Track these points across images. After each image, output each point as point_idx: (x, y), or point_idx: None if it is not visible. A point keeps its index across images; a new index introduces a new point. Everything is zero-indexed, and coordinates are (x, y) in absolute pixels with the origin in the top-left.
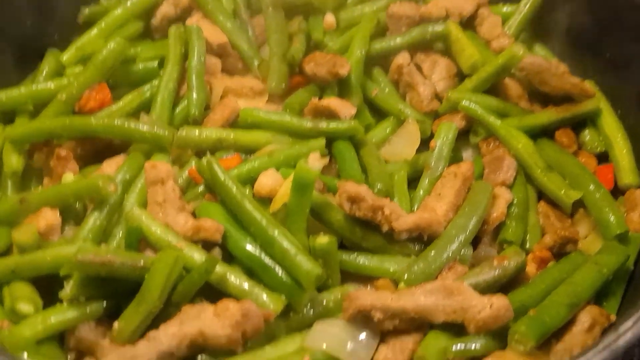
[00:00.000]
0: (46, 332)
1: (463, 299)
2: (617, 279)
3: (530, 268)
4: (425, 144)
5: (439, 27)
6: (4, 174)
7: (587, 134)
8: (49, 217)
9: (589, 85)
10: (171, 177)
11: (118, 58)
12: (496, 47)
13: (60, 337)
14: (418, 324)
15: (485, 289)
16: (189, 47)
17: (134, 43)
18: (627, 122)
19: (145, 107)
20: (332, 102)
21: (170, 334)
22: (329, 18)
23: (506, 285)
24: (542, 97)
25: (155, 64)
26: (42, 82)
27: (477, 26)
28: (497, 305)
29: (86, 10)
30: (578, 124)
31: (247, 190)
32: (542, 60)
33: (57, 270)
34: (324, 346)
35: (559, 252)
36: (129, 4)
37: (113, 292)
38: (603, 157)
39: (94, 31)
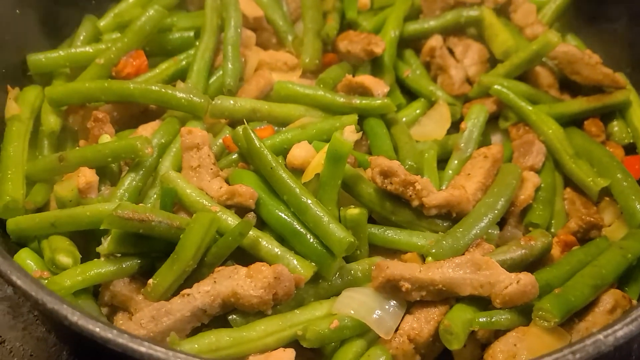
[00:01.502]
0: (84, 283)
1: (490, 274)
2: None
3: (555, 251)
4: (455, 126)
5: (473, 12)
6: (41, 133)
7: (615, 125)
8: (88, 175)
9: (620, 77)
10: (206, 142)
11: (156, 25)
12: (530, 34)
13: (95, 294)
14: (445, 297)
15: (512, 267)
16: (225, 18)
17: (171, 13)
18: None
19: (181, 75)
20: (366, 79)
21: (203, 292)
22: None
23: (531, 265)
24: (572, 88)
25: (192, 33)
26: (80, 47)
27: (512, 13)
28: (523, 281)
29: None
30: (606, 116)
31: (280, 160)
32: (575, 49)
33: (95, 226)
34: (352, 312)
35: (583, 237)
36: None
37: (148, 250)
38: (630, 149)
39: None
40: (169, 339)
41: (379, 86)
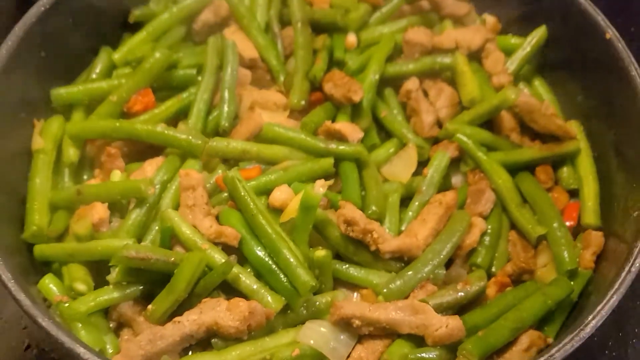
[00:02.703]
0: (96, 307)
1: (425, 318)
2: (561, 307)
3: (491, 290)
4: (422, 164)
5: (447, 60)
6: (62, 163)
7: (564, 171)
8: (101, 211)
9: (572, 128)
10: (201, 184)
11: (163, 67)
12: (496, 83)
13: (105, 311)
14: (388, 332)
15: (448, 308)
16: (224, 60)
17: (177, 46)
18: (600, 165)
19: (184, 111)
20: (342, 126)
21: (191, 320)
22: (351, 38)
23: (467, 304)
24: (532, 130)
25: (194, 71)
26: (96, 82)
27: (483, 58)
28: (452, 325)
29: (136, 12)
30: (558, 161)
31: (263, 200)
32: (534, 100)
33: (106, 257)
34: (312, 342)
35: (517, 279)
36: (174, 10)
37: (149, 279)
38: (576, 193)
39: (142, 34)
40: None
41: (354, 133)
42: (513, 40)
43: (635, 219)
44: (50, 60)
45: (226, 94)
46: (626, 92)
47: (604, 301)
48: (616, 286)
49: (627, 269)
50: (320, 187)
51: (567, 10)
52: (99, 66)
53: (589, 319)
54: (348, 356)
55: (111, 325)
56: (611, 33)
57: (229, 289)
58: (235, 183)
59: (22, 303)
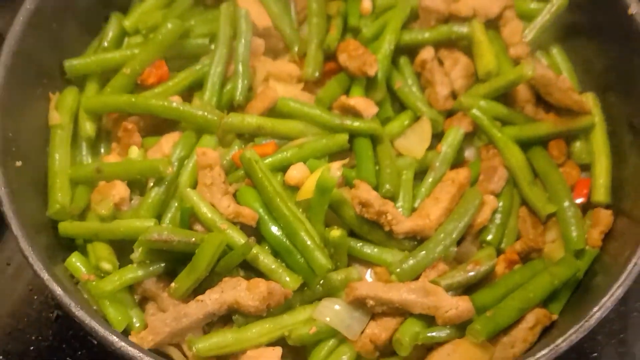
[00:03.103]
0: (121, 285)
1: (436, 299)
2: (565, 286)
3: (500, 267)
4: (436, 136)
5: (464, 29)
6: (79, 137)
7: (577, 145)
8: (121, 191)
9: (587, 103)
10: (218, 163)
11: (174, 37)
12: (513, 54)
13: (130, 286)
14: (401, 312)
15: (458, 288)
16: (237, 31)
17: (188, 12)
18: (614, 141)
19: (197, 83)
20: (357, 102)
21: (213, 299)
22: (366, 4)
23: (476, 282)
24: (547, 102)
25: (207, 41)
26: (109, 52)
27: (501, 27)
28: (462, 307)
29: None
30: (571, 135)
31: (279, 177)
32: (551, 73)
33: (129, 237)
34: (328, 319)
35: (526, 257)
36: None
37: (170, 257)
38: (588, 167)
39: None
40: (187, 339)
41: (369, 108)
42: (533, 5)
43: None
44: (62, 30)
45: (240, 67)
46: None
47: (609, 294)
48: (622, 279)
49: (632, 263)
50: (336, 170)
51: None
52: (110, 33)
53: (594, 310)
54: (362, 332)
55: (136, 298)
56: (634, 9)
57: (248, 267)
58: (253, 164)
59: (54, 291)
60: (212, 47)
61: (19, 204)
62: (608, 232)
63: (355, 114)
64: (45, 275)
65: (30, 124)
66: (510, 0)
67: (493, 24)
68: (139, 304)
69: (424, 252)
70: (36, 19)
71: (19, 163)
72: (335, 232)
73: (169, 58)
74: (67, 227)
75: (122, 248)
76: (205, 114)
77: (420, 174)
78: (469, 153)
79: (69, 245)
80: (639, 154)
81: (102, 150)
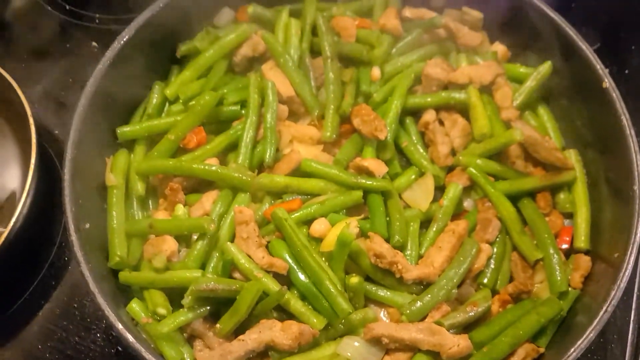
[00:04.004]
0: (175, 327)
1: (441, 338)
2: (551, 323)
3: (495, 306)
4: (438, 188)
5: (462, 95)
6: (131, 195)
7: (561, 196)
8: (172, 245)
9: (570, 159)
10: (252, 219)
11: (211, 107)
12: (504, 117)
13: None
14: (411, 348)
15: (459, 326)
16: (265, 101)
17: (221, 78)
18: (593, 193)
19: (232, 146)
20: (370, 163)
21: (253, 338)
22: (376, 71)
23: (475, 321)
24: (535, 158)
25: (239, 107)
26: (155, 119)
27: (494, 91)
28: (462, 345)
29: (183, 48)
30: (556, 187)
31: (304, 230)
32: (537, 135)
33: (180, 285)
34: (349, 354)
35: (517, 297)
36: (216, 47)
37: (215, 301)
38: (570, 215)
39: (190, 70)
40: None
41: (380, 168)
42: (521, 69)
43: (616, 259)
44: (114, 102)
45: (268, 134)
46: (617, 135)
47: (584, 337)
48: (594, 323)
49: (603, 310)
50: (354, 227)
51: (570, 53)
52: (153, 101)
53: (571, 351)
54: None
55: (184, 335)
56: (607, 83)
57: (281, 309)
58: (282, 222)
59: (118, 329)
60: (243, 112)
61: (88, 259)
62: (588, 275)
63: (368, 173)
64: (111, 316)
65: (92, 187)
66: (501, 68)
67: (487, 89)
68: (187, 340)
69: (429, 295)
70: (95, 101)
71: (87, 225)
72: (354, 279)
73: (206, 123)
74: (126, 277)
75: (172, 293)
76: (240, 175)
77: (425, 223)
78: (467, 204)
79: (127, 291)
80: (613, 204)
81: (151, 205)
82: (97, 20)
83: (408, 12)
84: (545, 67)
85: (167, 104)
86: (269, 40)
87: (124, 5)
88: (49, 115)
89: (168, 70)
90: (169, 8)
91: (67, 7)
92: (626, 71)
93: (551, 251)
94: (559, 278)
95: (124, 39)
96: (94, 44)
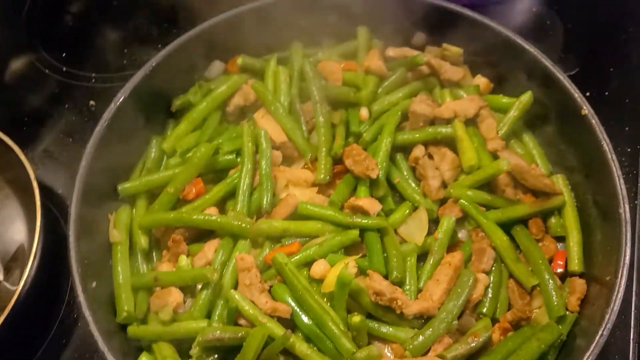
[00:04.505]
0: None
1: None
2: (552, 348)
3: (496, 335)
4: (432, 221)
5: (448, 130)
6: (134, 249)
7: (552, 220)
8: (177, 297)
9: (557, 184)
10: (254, 266)
11: (207, 158)
12: (491, 148)
13: None
14: None
15: (462, 358)
16: (259, 148)
17: (215, 129)
18: (583, 216)
19: (230, 194)
20: (364, 202)
21: None
22: (364, 112)
23: (477, 351)
24: (524, 185)
25: (234, 156)
26: (154, 173)
27: (479, 123)
28: None
29: (177, 102)
30: (547, 213)
31: (305, 272)
32: (523, 163)
33: (187, 336)
34: None
35: (517, 324)
36: (209, 99)
37: (222, 349)
38: (563, 239)
39: (185, 123)
40: None
41: (374, 206)
42: (504, 100)
43: (608, 281)
44: (114, 160)
45: (264, 180)
46: (600, 160)
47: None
48: (591, 348)
49: (599, 334)
50: (352, 267)
51: (548, 82)
52: (152, 155)
53: None
54: None
55: None
56: (586, 110)
57: (287, 352)
58: (283, 267)
59: None
60: (239, 160)
61: (96, 318)
62: (584, 297)
63: (363, 212)
64: None
65: (97, 245)
66: (484, 101)
67: (472, 121)
68: None
69: (430, 329)
70: (96, 158)
71: (94, 284)
72: (356, 318)
73: (203, 173)
74: (135, 331)
75: (180, 343)
76: (239, 223)
77: (421, 256)
78: (461, 234)
79: (135, 345)
80: (603, 226)
81: (155, 257)
82: (93, 80)
83: (391, 52)
84: (526, 96)
85: (165, 157)
86: (259, 89)
87: (118, 63)
88: (51, 174)
89: (164, 124)
90: (162, 66)
91: (64, 68)
92: (606, 93)
93: (546, 277)
94: (556, 303)
95: (120, 100)
96: (92, 102)
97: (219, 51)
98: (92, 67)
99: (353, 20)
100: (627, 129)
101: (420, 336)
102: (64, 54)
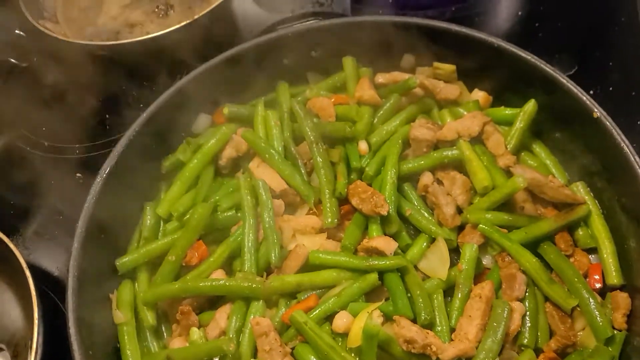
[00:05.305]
0: None
1: None
2: None
3: None
4: (453, 251)
5: (454, 152)
6: (142, 326)
7: (580, 232)
8: None
9: (579, 193)
10: (272, 329)
11: (206, 218)
12: (502, 164)
13: None
14: None
15: None
16: (259, 201)
17: (210, 185)
18: (612, 223)
19: (235, 253)
20: (378, 242)
21: None
22: (363, 145)
23: None
24: (543, 199)
25: (234, 211)
26: (152, 243)
27: (485, 140)
28: None
29: (166, 163)
30: (573, 225)
31: (327, 327)
32: (539, 176)
33: None
34: None
35: (563, 353)
36: (199, 155)
37: None
38: (595, 250)
39: (177, 184)
40: None
41: (389, 245)
42: (507, 111)
43: None
44: (109, 234)
45: (269, 234)
46: (621, 163)
47: None
48: None
49: None
50: (377, 317)
51: (551, 88)
52: (147, 222)
53: None
54: None
55: None
56: (598, 112)
57: None
58: (302, 326)
59: None
60: (239, 215)
61: None
62: (630, 312)
63: (379, 253)
64: None
65: (101, 330)
66: (486, 116)
67: (477, 139)
68: None
69: None
70: (88, 237)
71: None
72: None
73: (204, 234)
74: None
75: None
76: (250, 284)
77: (448, 290)
78: (486, 261)
79: None
80: (636, 232)
81: (164, 332)
82: (77, 151)
83: (381, 78)
84: (530, 106)
85: (162, 223)
86: (250, 138)
87: (101, 131)
88: (44, 256)
89: (156, 189)
90: (146, 129)
91: (46, 143)
92: (610, 88)
93: (585, 295)
94: (600, 323)
95: (106, 171)
96: (79, 175)
97: (203, 104)
98: (74, 138)
99: (336, 51)
100: (638, 122)
101: None
102: (43, 128)
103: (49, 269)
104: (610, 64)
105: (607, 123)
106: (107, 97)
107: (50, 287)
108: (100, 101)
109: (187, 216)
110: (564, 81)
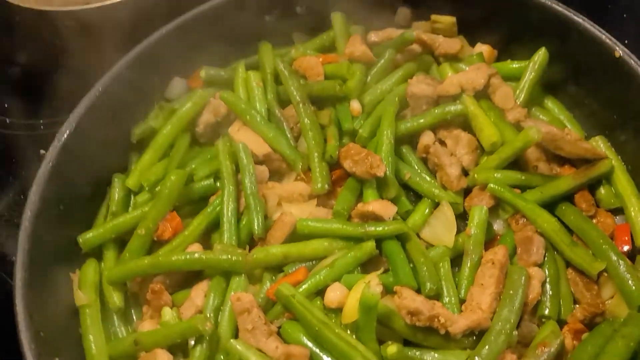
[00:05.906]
0: None
1: None
2: None
3: (568, 340)
4: (459, 216)
5: (457, 107)
6: (108, 310)
7: (602, 191)
8: (164, 359)
9: (599, 147)
10: (255, 305)
11: (180, 187)
12: (511, 119)
13: None
14: None
15: None
16: (240, 166)
17: (186, 155)
18: (638, 179)
19: (213, 225)
20: (374, 205)
21: None
22: (355, 105)
23: None
24: (559, 156)
25: (212, 180)
26: (120, 216)
27: (491, 94)
28: None
29: (137, 131)
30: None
31: (318, 302)
32: (555, 129)
33: None
34: None
35: (590, 323)
36: (174, 120)
37: None
38: (620, 210)
39: (149, 153)
40: None
41: (388, 209)
42: (514, 64)
43: None
44: (71, 208)
45: (251, 201)
46: None
47: None
48: None
49: None
50: (376, 285)
51: (565, 32)
52: (116, 196)
53: None
54: None
55: None
56: (620, 51)
57: None
58: (290, 300)
59: None
60: (218, 184)
61: None
62: None
63: (376, 218)
64: None
65: (58, 313)
66: (492, 68)
67: (482, 94)
68: None
69: (487, 347)
70: (44, 208)
71: None
72: (392, 348)
73: (179, 206)
74: None
75: None
76: (229, 256)
77: (456, 260)
78: (497, 226)
79: None
80: None
81: (134, 316)
82: (42, 127)
83: (374, 36)
84: (541, 54)
85: (132, 196)
86: (230, 99)
87: (69, 102)
88: (11, 240)
89: (126, 159)
90: (111, 90)
91: (8, 120)
92: (626, 41)
93: (614, 258)
94: (633, 287)
95: (65, 135)
96: (42, 151)
97: (177, 66)
98: (39, 112)
99: (324, 7)
100: None
101: (477, 358)
102: (5, 104)
103: (9, 254)
104: (625, 15)
105: (632, 61)
106: (73, 68)
107: (8, 273)
108: (67, 75)
109: (160, 186)
110: (580, 20)
